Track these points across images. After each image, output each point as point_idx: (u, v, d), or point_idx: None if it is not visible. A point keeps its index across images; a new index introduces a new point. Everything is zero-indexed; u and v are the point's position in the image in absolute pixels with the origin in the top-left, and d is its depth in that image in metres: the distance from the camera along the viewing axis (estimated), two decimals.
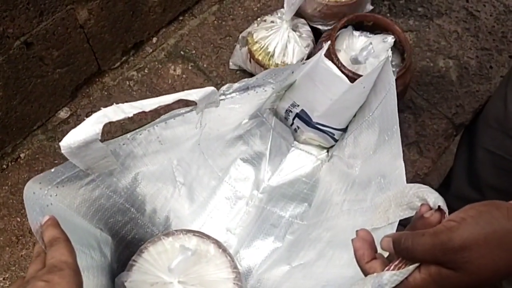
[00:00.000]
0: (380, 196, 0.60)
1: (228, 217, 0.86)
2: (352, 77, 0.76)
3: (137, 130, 0.62)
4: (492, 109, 0.86)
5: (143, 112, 0.53)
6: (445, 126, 0.99)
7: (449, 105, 1.01)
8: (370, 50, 0.74)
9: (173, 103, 0.56)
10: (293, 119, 0.86)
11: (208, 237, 0.70)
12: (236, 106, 0.70)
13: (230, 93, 0.67)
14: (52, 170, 0.54)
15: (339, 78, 0.71)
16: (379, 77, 0.68)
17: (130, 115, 0.52)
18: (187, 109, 0.65)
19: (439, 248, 0.39)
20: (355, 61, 0.78)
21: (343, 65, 0.79)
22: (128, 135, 0.61)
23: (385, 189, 0.61)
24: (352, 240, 0.48)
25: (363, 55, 0.75)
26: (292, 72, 0.74)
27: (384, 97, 0.66)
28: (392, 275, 0.42)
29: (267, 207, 0.87)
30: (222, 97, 0.66)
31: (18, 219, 0.86)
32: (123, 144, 0.62)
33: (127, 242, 0.74)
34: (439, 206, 0.45)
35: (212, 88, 0.61)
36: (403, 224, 0.52)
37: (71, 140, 0.51)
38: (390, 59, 0.67)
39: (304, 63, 0.74)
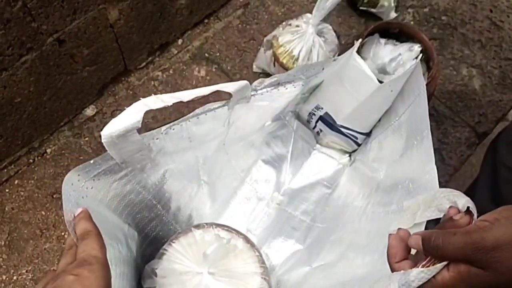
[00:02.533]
0: (409, 200, 0.60)
1: (249, 218, 0.87)
2: None
3: (170, 124, 0.63)
4: None
5: (181, 102, 0.54)
6: (468, 134, 0.98)
7: (472, 114, 1.01)
8: (399, 61, 0.75)
9: (208, 95, 0.57)
10: (316, 122, 0.87)
11: (237, 231, 0.71)
12: (264, 103, 0.71)
13: (261, 89, 0.68)
14: (91, 161, 0.54)
15: (368, 77, 0.71)
16: (407, 82, 0.68)
17: (170, 104, 0.53)
18: (220, 103, 0.66)
19: (470, 247, 0.39)
20: (383, 70, 0.78)
21: None
22: (162, 128, 0.62)
23: (413, 193, 0.61)
24: (390, 235, 0.48)
25: (392, 65, 0.75)
26: (323, 69, 0.74)
27: (413, 102, 0.67)
28: (419, 272, 0.42)
29: (288, 209, 0.88)
30: (253, 92, 0.67)
31: (43, 212, 0.87)
32: (157, 139, 0.63)
33: (151, 238, 0.75)
34: (468, 208, 0.45)
35: (245, 82, 0.62)
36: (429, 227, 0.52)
37: (112, 128, 0.51)
38: (420, 65, 0.67)
39: (335, 59, 0.74)
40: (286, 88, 0.71)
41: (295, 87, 0.73)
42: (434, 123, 0.99)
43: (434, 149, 0.95)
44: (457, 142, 0.97)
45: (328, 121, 0.84)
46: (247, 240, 0.71)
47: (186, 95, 0.54)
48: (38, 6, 0.72)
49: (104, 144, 0.53)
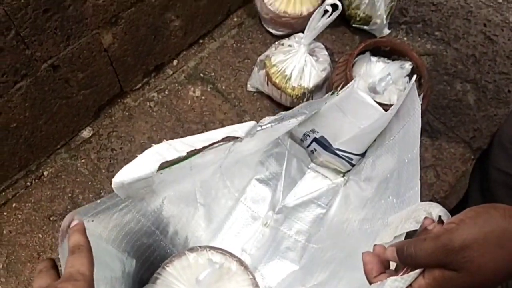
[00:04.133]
0: (393, 215, 0.61)
1: (244, 238, 0.87)
2: None
3: (179, 163, 0.63)
4: (507, 131, 0.85)
5: (195, 149, 0.55)
6: (463, 150, 0.98)
7: (467, 129, 1.01)
8: (388, 81, 0.75)
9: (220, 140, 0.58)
10: (311, 142, 0.87)
11: (231, 254, 0.71)
12: (266, 134, 0.72)
13: (265, 125, 0.69)
14: (98, 201, 0.55)
15: (373, 108, 0.73)
16: (403, 103, 0.69)
17: (184, 153, 0.54)
18: (227, 142, 0.66)
19: (440, 250, 0.40)
20: (373, 89, 0.79)
21: None
22: (168, 168, 0.62)
23: (397, 208, 0.62)
24: (362, 253, 0.49)
25: (381, 85, 0.76)
26: (325, 103, 0.76)
27: (407, 122, 0.67)
28: (393, 281, 0.43)
29: (282, 229, 0.88)
30: (259, 128, 0.68)
31: (40, 235, 0.88)
32: (161, 174, 0.63)
33: (149, 264, 0.75)
34: (439, 217, 0.46)
35: (254, 122, 0.63)
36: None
37: (125, 177, 0.52)
38: (415, 85, 0.68)
39: (338, 94, 0.75)
40: (289, 122, 0.73)
41: (297, 120, 0.74)
42: (428, 139, 0.99)
43: (429, 166, 0.97)
44: (452, 157, 0.97)
45: (323, 143, 0.84)
46: (240, 262, 0.72)
47: (198, 142, 0.55)
48: (31, 34, 0.73)
49: (114, 189, 0.54)
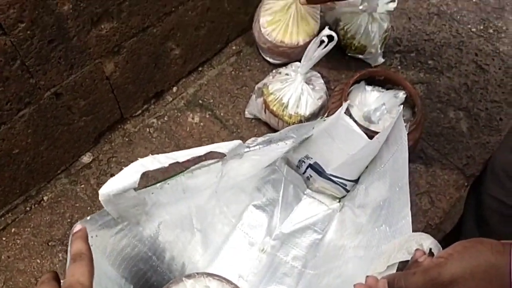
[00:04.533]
0: (386, 244, 0.62)
1: (241, 264, 0.88)
2: (365, 133, 0.79)
3: (167, 180, 0.65)
4: (500, 158, 0.87)
5: (177, 162, 0.57)
6: (456, 177, 1.00)
7: (460, 156, 1.03)
8: (383, 111, 0.78)
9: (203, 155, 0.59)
10: (306, 168, 0.89)
11: (228, 280, 0.72)
12: (257, 157, 0.73)
13: (253, 146, 0.71)
14: (88, 218, 0.56)
15: (358, 135, 0.75)
16: (391, 131, 0.71)
17: (166, 165, 0.56)
18: (214, 160, 0.68)
19: (429, 284, 0.42)
20: (368, 118, 0.82)
21: (356, 121, 0.82)
22: (158, 184, 0.64)
23: (390, 237, 0.63)
24: (355, 285, 0.50)
25: (376, 115, 0.79)
26: (313, 128, 0.78)
27: (396, 150, 0.69)
28: None
29: (279, 255, 0.89)
30: (247, 149, 0.70)
31: (38, 260, 0.89)
32: (152, 193, 0.65)
33: None
34: (430, 249, 0.48)
35: (239, 141, 0.64)
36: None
37: (110, 188, 0.53)
38: (402, 115, 0.70)
39: (324, 120, 0.77)
40: (278, 145, 0.74)
41: (286, 144, 0.76)
42: (423, 166, 1.01)
43: (424, 192, 0.98)
44: (446, 184, 0.99)
45: (317, 169, 0.86)
46: None
47: (181, 156, 0.57)
48: (36, 63, 0.76)
49: (102, 202, 0.55)
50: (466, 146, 1.04)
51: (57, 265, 0.88)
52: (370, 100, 0.91)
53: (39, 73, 0.78)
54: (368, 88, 0.92)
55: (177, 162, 0.58)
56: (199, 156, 0.61)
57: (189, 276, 0.72)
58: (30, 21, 0.70)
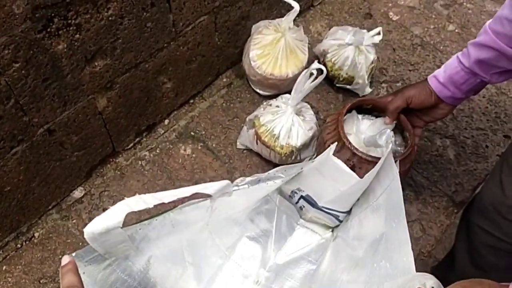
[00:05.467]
0: (389, 281, 0.63)
1: None
2: (365, 158, 0.81)
3: (154, 217, 0.66)
4: (488, 194, 0.89)
5: (162, 203, 0.57)
6: (446, 203, 1.02)
7: (449, 183, 1.05)
8: (388, 135, 0.81)
9: (189, 196, 0.60)
10: (298, 199, 0.90)
11: None
12: (246, 194, 0.74)
13: (242, 185, 0.72)
14: (73, 254, 0.56)
15: (348, 174, 0.77)
16: (382, 166, 0.72)
17: (151, 206, 0.56)
18: (202, 199, 0.69)
19: None
20: (372, 143, 0.84)
21: (356, 148, 0.83)
22: (146, 221, 0.65)
23: (392, 274, 0.63)
24: None
25: (383, 138, 0.81)
26: (302, 168, 0.79)
27: (389, 185, 0.71)
28: None
29: (274, 286, 0.88)
30: (235, 188, 0.71)
31: None
32: (140, 229, 0.65)
33: None
34: None
35: (227, 181, 0.65)
36: None
37: (95, 227, 0.54)
38: (391, 148, 0.72)
39: (313, 161, 0.79)
40: (267, 184, 0.75)
41: (275, 183, 0.77)
42: (413, 193, 1.03)
43: (415, 220, 0.99)
44: (436, 211, 1.00)
45: (309, 201, 0.87)
46: None
47: (167, 197, 0.57)
48: (30, 101, 0.76)
49: (87, 240, 0.56)
50: (454, 173, 1.06)
51: None
52: (362, 127, 0.92)
53: (33, 111, 0.78)
54: (360, 116, 0.94)
55: (163, 203, 0.58)
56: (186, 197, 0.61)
57: None
58: (24, 61, 0.71)
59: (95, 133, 0.94)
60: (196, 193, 0.62)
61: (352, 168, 0.81)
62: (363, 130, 0.92)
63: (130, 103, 0.97)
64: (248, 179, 0.73)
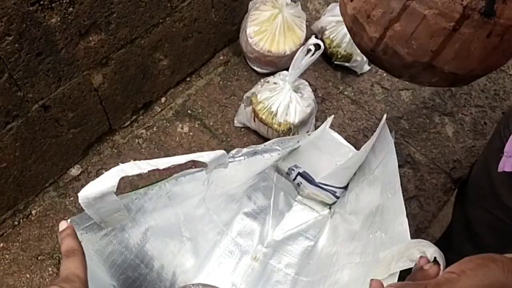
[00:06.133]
0: (384, 251, 0.63)
1: (233, 272, 0.88)
2: None
3: (149, 186, 0.65)
4: (479, 177, 0.88)
5: (157, 169, 0.57)
6: (444, 180, 1.02)
7: (447, 160, 1.04)
8: None
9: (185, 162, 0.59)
10: (296, 176, 0.90)
11: None
12: (243, 168, 0.73)
13: (238, 156, 0.71)
14: (69, 220, 0.56)
15: (346, 147, 0.76)
16: (377, 139, 0.72)
17: (145, 171, 0.56)
18: (198, 169, 0.68)
19: None
20: None
21: None
22: (141, 190, 0.64)
23: (387, 244, 0.63)
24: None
25: None
26: (298, 141, 0.79)
27: (384, 157, 0.70)
28: None
29: (272, 262, 0.89)
30: (231, 159, 0.70)
31: (28, 275, 0.87)
32: (135, 199, 0.65)
33: None
34: (435, 258, 0.49)
35: (222, 151, 0.64)
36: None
37: (88, 191, 0.54)
38: (385, 123, 0.72)
39: (310, 134, 0.78)
40: (263, 157, 0.75)
41: (272, 156, 0.76)
42: (411, 171, 1.03)
43: (413, 197, 1.00)
44: (434, 188, 1.00)
45: (307, 177, 0.87)
46: None
47: (162, 163, 0.57)
48: (24, 76, 0.75)
49: (82, 205, 0.55)
50: (452, 150, 1.06)
51: (47, 279, 0.87)
52: None
53: (27, 86, 0.77)
54: None
55: (157, 169, 0.58)
56: (181, 165, 0.61)
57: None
58: (17, 34, 0.70)
59: (91, 110, 0.93)
60: (192, 163, 0.61)
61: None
62: None
63: (126, 80, 0.96)
64: (244, 150, 0.72)
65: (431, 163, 1.04)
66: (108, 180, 0.55)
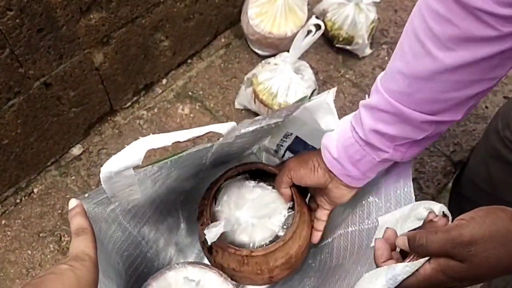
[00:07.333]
0: (381, 215, 0.64)
1: None
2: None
3: (160, 161, 0.65)
4: (475, 174, 0.88)
5: (178, 142, 0.57)
6: (444, 163, 1.02)
7: (447, 143, 1.04)
8: None
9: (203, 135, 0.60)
10: (284, 151, 0.89)
11: (209, 266, 0.72)
12: (243, 139, 0.74)
13: (245, 128, 0.71)
14: (86, 195, 0.56)
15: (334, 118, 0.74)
16: None
17: (169, 144, 0.55)
18: (206, 144, 0.68)
19: (450, 242, 0.45)
20: None
21: None
22: (155, 166, 0.64)
23: (385, 207, 0.64)
24: (376, 239, 0.54)
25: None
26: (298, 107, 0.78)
27: None
28: (404, 266, 0.48)
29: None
30: (238, 132, 0.70)
31: (29, 252, 0.88)
32: (146, 174, 0.65)
33: (136, 277, 0.76)
34: (443, 212, 0.52)
35: (234, 123, 0.65)
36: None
37: (113, 165, 0.53)
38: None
39: (309, 100, 0.77)
40: (265, 127, 0.75)
41: (272, 125, 0.76)
42: None
43: (413, 179, 0.99)
44: (434, 171, 1.01)
45: (298, 145, 0.84)
46: (220, 274, 0.72)
47: (182, 136, 0.57)
48: (25, 52, 0.76)
49: (101, 179, 0.55)
50: (453, 133, 1.06)
51: (48, 256, 0.88)
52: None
53: (28, 62, 0.78)
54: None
55: (178, 142, 0.58)
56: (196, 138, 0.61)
57: (169, 268, 0.72)
58: (19, 9, 0.70)
59: (92, 89, 0.93)
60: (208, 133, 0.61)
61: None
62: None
63: (127, 60, 0.96)
64: (250, 121, 0.72)
65: (431, 146, 1.04)
66: (134, 153, 0.54)
